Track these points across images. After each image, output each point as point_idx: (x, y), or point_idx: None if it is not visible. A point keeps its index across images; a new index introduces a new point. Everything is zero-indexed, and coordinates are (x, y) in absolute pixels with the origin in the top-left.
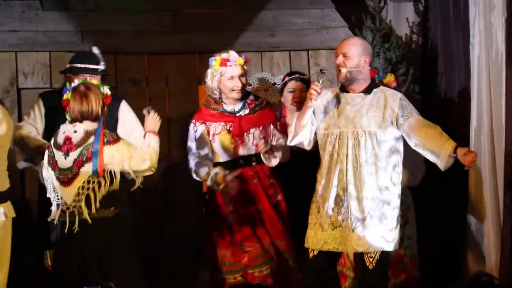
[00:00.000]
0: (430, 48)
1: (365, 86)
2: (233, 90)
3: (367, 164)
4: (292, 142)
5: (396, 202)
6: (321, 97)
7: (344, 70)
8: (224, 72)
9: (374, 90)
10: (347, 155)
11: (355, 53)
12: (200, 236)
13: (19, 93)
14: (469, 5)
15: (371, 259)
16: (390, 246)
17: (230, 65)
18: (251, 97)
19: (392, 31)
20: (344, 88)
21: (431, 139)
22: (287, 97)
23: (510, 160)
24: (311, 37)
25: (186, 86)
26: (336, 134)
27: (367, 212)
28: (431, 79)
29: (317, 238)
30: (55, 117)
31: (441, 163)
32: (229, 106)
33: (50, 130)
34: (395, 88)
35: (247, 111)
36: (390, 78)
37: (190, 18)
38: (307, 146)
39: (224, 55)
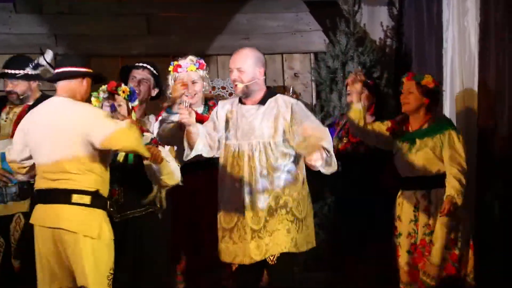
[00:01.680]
0: (404, 52)
1: (260, 96)
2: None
3: (262, 175)
4: (188, 157)
5: (292, 205)
6: (222, 108)
7: (240, 86)
8: (176, 77)
9: (269, 100)
10: (243, 167)
11: (250, 66)
12: None
13: None
14: (443, 9)
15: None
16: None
17: (182, 71)
18: (214, 101)
19: (366, 35)
20: (240, 100)
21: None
22: None
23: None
24: (285, 41)
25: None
26: (234, 146)
27: (262, 224)
28: None
29: (227, 252)
30: None
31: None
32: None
33: None
34: (433, 89)
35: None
36: (428, 79)
37: (164, 22)
38: (208, 154)
39: (179, 61)
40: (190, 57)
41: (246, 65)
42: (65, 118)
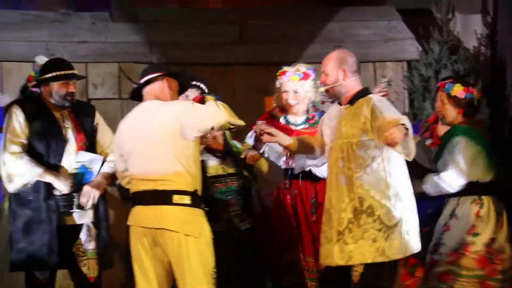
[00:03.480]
0: (499, 60)
1: (349, 97)
2: (287, 104)
3: (347, 176)
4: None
5: (380, 212)
6: (327, 114)
7: (321, 89)
8: (281, 84)
9: (359, 100)
10: (333, 167)
11: (332, 69)
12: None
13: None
14: None
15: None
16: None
17: (285, 79)
18: (313, 113)
19: (460, 43)
20: (338, 101)
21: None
22: None
23: None
24: (377, 49)
25: (253, 97)
26: (329, 147)
27: (345, 225)
28: (499, 91)
29: (321, 253)
30: None
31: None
32: (292, 118)
33: None
34: (466, 97)
35: (307, 125)
36: (458, 88)
37: (256, 30)
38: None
39: (286, 67)
40: (298, 66)
41: (329, 67)
42: (159, 118)
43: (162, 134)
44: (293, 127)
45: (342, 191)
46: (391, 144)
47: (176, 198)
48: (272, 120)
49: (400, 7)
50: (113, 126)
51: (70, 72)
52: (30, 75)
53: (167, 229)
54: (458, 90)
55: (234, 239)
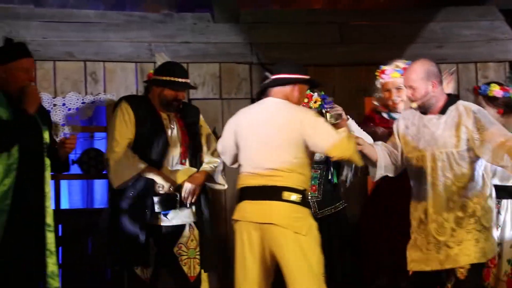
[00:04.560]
0: None
1: (440, 106)
2: (391, 102)
3: (445, 185)
4: (375, 178)
5: (480, 214)
6: (402, 120)
7: (414, 105)
8: (382, 83)
9: (450, 108)
10: (426, 177)
11: (420, 82)
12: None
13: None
14: None
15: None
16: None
17: (386, 78)
18: None
19: None
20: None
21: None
22: None
23: None
24: (479, 49)
25: (353, 97)
26: (417, 157)
27: (449, 234)
28: None
29: (411, 259)
30: None
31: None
32: (396, 114)
33: None
34: (504, 96)
35: None
36: (494, 88)
37: (356, 30)
38: (393, 173)
39: (384, 66)
40: (396, 62)
41: (417, 82)
42: (282, 118)
43: (282, 135)
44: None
45: (440, 201)
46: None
47: (285, 195)
48: (375, 114)
49: (502, 7)
50: (213, 126)
51: (183, 80)
52: (150, 72)
53: (276, 225)
54: (494, 90)
55: None
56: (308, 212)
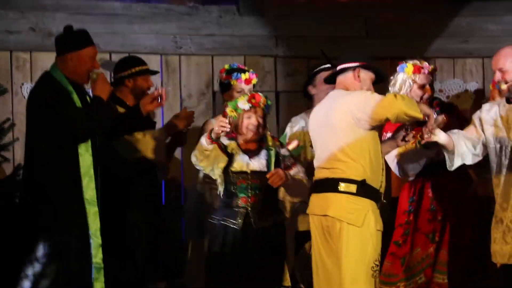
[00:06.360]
0: None
1: None
2: (421, 99)
3: None
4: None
5: None
6: (488, 111)
7: (504, 86)
8: (417, 80)
9: None
10: None
11: (510, 65)
12: None
13: (214, 96)
14: None
15: None
16: None
17: (424, 73)
18: (436, 100)
19: None
20: (509, 100)
21: None
22: None
23: None
24: (505, 44)
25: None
26: (506, 147)
27: None
28: None
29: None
30: None
31: None
32: None
33: None
34: None
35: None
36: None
37: (382, 24)
38: (472, 160)
39: (415, 62)
40: (416, 60)
41: (507, 64)
42: (337, 105)
43: (337, 123)
44: None
45: None
46: None
47: (342, 186)
48: None
49: None
50: None
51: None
52: (224, 68)
53: (330, 216)
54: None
55: (249, 236)
56: (367, 202)
